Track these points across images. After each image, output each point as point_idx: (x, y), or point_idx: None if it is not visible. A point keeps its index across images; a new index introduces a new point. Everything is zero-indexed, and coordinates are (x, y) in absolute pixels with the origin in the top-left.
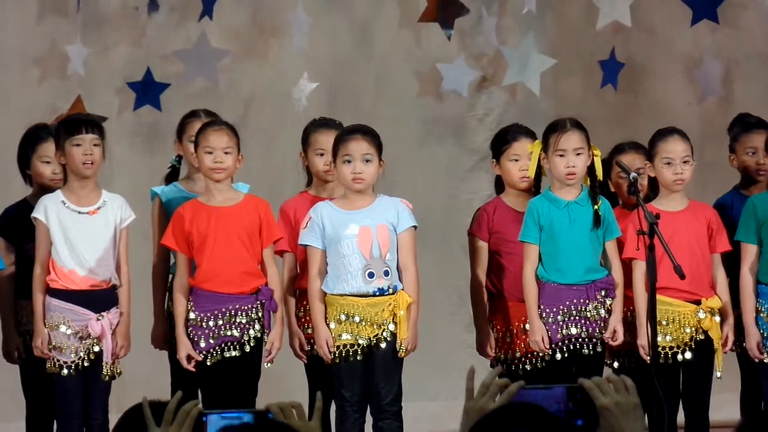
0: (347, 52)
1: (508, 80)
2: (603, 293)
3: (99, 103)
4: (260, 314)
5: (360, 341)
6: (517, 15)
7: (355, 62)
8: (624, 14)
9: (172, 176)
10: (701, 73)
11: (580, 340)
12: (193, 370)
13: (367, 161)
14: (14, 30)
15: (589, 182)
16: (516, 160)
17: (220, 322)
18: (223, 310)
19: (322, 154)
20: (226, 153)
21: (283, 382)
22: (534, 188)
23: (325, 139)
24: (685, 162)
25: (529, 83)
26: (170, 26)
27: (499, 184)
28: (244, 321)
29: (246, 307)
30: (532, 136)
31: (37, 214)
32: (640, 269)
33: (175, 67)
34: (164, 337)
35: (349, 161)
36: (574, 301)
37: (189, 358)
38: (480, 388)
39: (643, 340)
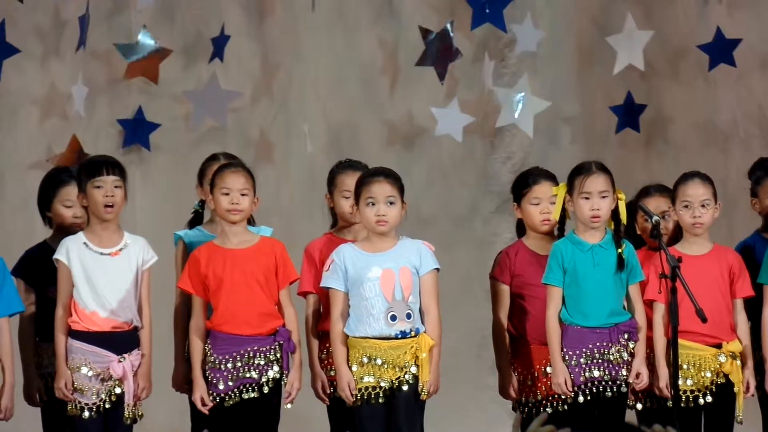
0: (355, 95)
1: (501, 122)
2: (626, 336)
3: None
4: (278, 355)
5: (382, 384)
6: (513, 57)
7: (363, 105)
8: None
9: (195, 221)
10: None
11: (603, 383)
12: (206, 413)
13: (391, 203)
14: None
15: (613, 226)
16: (537, 204)
17: (239, 364)
18: (242, 351)
19: (348, 197)
20: (242, 195)
21: (306, 424)
22: (558, 231)
23: (351, 181)
24: (703, 206)
25: (523, 126)
26: (179, 67)
27: (520, 228)
28: (262, 362)
29: (264, 349)
30: (552, 179)
31: (59, 255)
32: (659, 312)
33: (184, 107)
34: (184, 379)
35: (372, 203)
36: (597, 344)
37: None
38: None
39: (661, 383)
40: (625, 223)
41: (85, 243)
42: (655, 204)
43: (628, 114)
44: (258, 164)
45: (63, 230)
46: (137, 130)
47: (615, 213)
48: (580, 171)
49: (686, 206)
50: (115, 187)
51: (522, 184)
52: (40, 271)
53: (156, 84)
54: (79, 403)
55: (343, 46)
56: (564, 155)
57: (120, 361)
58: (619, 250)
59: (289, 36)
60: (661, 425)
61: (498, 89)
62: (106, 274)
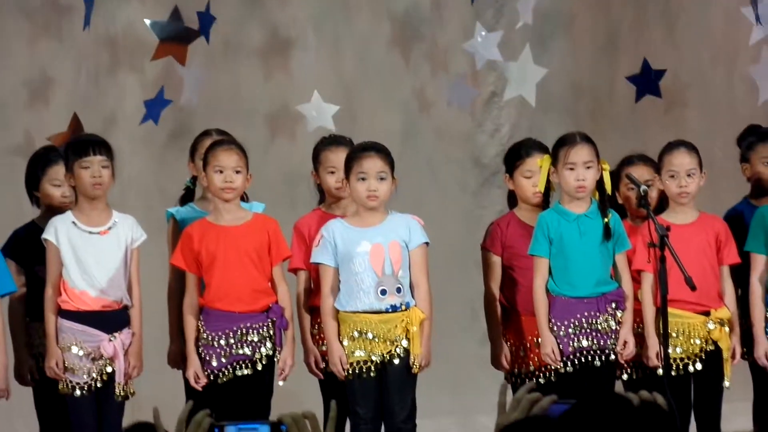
0: (351, 70)
1: (509, 95)
2: (613, 306)
3: None
4: (271, 332)
5: (373, 358)
6: (513, 29)
7: (358, 79)
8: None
9: (186, 197)
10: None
11: (591, 352)
12: (200, 389)
13: (382, 179)
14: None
15: (598, 195)
16: (529, 176)
17: (232, 341)
18: (234, 328)
19: (333, 172)
20: (236, 172)
21: (297, 399)
22: (543, 202)
23: (336, 157)
24: (689, 175)
25: (526, 95)
26: None
27: (512, 199)
28: (255, 339)
29: (257, 326)
30: (545, 151)
31: (48, 235)
32: (648, 281)
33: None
34: (180, 356)
35: (363, 179)
36: (585, 313)
37: (197, 376)
38: (512, 403)
39: (651, 351)
40: (610, 193)
41: (73, 222)
42: (639, 173)
43: (645, 82)
44: (257, 140)
45: (51, 210)
46: (153, 109)
47: (600, 183)
48: (564, 142)
49: (672, 176)
50: (103, 167)
51: (515, 156)
52: (28, 250)
53: (183, 65)
54: (71, 382)
55: (344, 20)
56: (552, 127)
57: (110, 340)
58: (606, 220)
59: (291, 10)
60: (648, 391)
61: (497, 61)
62: (96, 253)
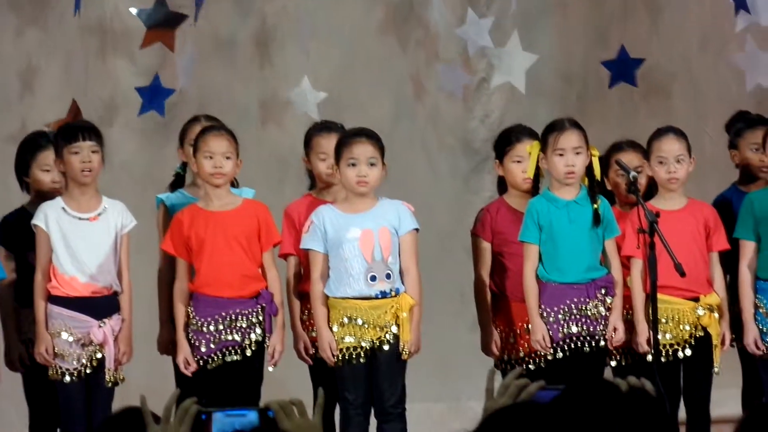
0: (342, 56)
1: (497, 81)
2: (603, 292)
3: None
4: (261, 318)
5: (363, 344)
6: (505, 14)
7: (349, 65)
8: None
9: (176, 184)
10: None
11: (581, 338)
12: (189, 375)
13: (372, 164)
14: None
15: (587, 182)
16: (519, 162)
17: (221, 327)
18: (224, 314)
19: (324, 158)
20: (226, 158)
21: (286, 386)
22: (533, 188)
23: (328, 143)
24: (679, 161)
25: (515, 81)
26: None
27: (502, 185)
28: (244, 325)
29: (247, 311)
30: (535, 137)
31: (37, 221)
32: (637, 267)
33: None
34: (170, 342)
35: (353, 164)
36: (575, 300)
37: (187, 362)
38: (500, 389)
39: (641, 338)
40: (599, 179)
41: (63, 208)
42: (628, 159)
43: (621, 69)
44: (249, 127)
45: (41, 195)
46: (153, 98)
47: (589, 169)
48: (553, 128)
49: (661, 162)
50: (92, 152)
51: (505, 142)
52: (18, 236)
53: (173, 51)
54: (60, 368)
55: (336, 5)
56: (542, 113)
57: (100, 326)
58: (595, 206)
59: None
60: (636, 377)
61: (487, 48)
62: (85, 239)
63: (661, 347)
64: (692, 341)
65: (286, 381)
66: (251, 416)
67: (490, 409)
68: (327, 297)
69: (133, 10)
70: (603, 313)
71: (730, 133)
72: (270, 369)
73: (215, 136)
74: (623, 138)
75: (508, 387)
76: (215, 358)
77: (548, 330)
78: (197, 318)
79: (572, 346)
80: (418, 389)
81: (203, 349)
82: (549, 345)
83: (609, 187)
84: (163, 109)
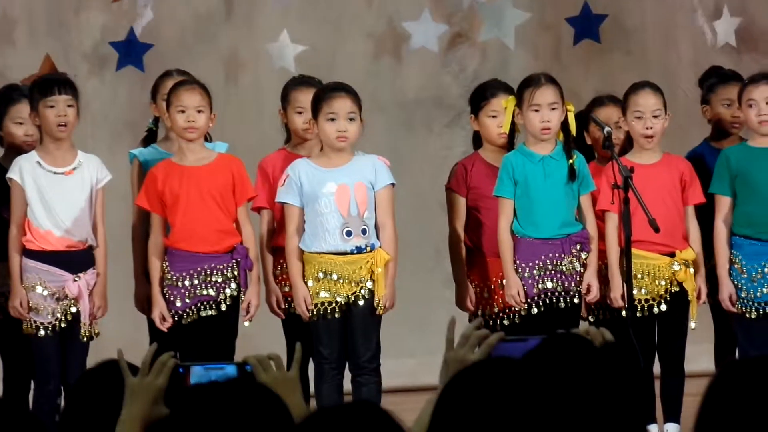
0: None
1: (485, 36)
2: (578, 247)
3: None
4: (236, 273)
5: (338, 299)
6: None
7: (326, 19)
8: None
9: (149, 139)
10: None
11: (556, 294)
12: (165, 330)
13: (351, 119)
14: None
15: (563, 137)
16: (494, 117)
17: (196, 282)
18: (199, 269)
19: (301, 112)
20: (198, 112)
21: (258, 341)
22: (508, 144)
23: (305, 98)
24: (655, 116)
25: (505, 38)
26: None
27: (477, 140)
28: (219, 280)
29: (221, 266)
30: (510, 92)
31: (12, 174)
32: (612, 222)
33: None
34: (146, 299)
35: (333, 119)
36: (550, 255)
37: (163, 317)
38: (460, 339)
39: (615, 293)
40: (574, 134)
41: (38, 162)
42: (607, 114)
43: (582, 25)
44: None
45: (14, 149)
46: (130, 52)
47: (565, 124)
48: (528, 83)
49: (638, 117)
50: (68, 106)
51: (480, 97)
52: None
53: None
54: (35, 322)
55: None
56: (516, 68)
57: (75, 281)
58: (570, 161)
59: None
60: (596, 327)
61: (478, 3)
62: (61, 193)
63: (636, 302)
64: (668, 296)
65: (259, 336)
66: (229, 370)
67: (450, 359)
68: (302, 251)
69: None
70: (578, 269)
71: (702, 89)
72: (246, 324)
73: (187, 90)
74: (603, 93)
75: (468, 337)
76: (190, 312)
77: (523, 285)
78: (172, 273)
79: (547, 301)
80: (392, 344)
81: (178, 304)
82: (523, 300)
83: (589, 142)
84: (142, 63)
